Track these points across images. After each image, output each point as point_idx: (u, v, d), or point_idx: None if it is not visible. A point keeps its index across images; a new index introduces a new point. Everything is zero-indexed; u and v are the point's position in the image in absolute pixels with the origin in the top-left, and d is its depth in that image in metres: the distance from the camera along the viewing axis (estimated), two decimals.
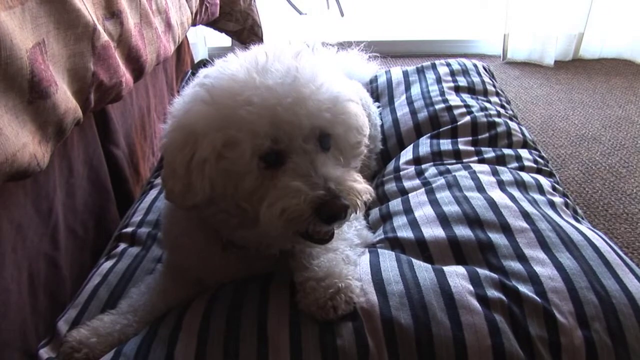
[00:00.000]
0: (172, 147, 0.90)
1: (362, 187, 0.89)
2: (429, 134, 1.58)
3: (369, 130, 1.02)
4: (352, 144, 0.96)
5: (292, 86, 0.85)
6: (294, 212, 0.83)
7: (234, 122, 0.84)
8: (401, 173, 1.45)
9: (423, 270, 0.99)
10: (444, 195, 1.22)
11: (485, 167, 1.34)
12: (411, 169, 1.44)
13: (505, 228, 1.08)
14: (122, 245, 1.35)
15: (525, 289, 0.94)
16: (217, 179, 0.88)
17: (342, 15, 4.82)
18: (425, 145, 1.52)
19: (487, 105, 1.67)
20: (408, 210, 1.23)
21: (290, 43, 0.95)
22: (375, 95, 1.89)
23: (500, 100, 1.78)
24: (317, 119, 0.87)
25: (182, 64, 2.69)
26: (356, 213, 0.90)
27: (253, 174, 0.86)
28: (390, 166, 1.54)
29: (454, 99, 1.69)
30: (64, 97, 1.05)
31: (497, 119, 1.58)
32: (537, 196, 1.24)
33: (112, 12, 1.33)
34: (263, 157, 0.86)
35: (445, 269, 0.99)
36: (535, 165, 1.43)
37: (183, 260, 1.11)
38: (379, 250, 1.10)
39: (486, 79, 1.86)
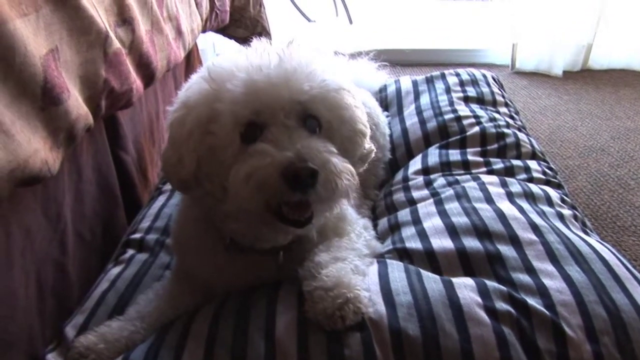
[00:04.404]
0: (175, 124, 0.95)
1: (341, 165, 0.88)
2: (437, 144, 1.58)
3: (368, 129, 1.03)
4: (346, 137, 0.97)
5: (277, 64, 0.90)
6: (260, 176, 0.83)
7: (220, 97, 0.89)
8: (410, 183, 1.45)
9: (431, 281, 0.99)
10: (452, 207, 1.22)
11: (494, 179, 1.34)
12: (420, 179, 1.44)
13: (514, 240, 1.08)
14: (130, 251, 1.35)
15: (533, 302, 0.93)
16: (203, 156, 0.91)
17: (351, 22, 4.83)
18: (434, 155, 1.52)
19: (496, 115, 1.67)
20: (417, 221, 1.23)
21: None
22: (385, 105, 1.90)
23: (509, 110, 1.78)
24: (298, 93, 0.89)
25: (192, 70, 2.69)
26: (333, 190, 0.87)
27: (233, 147, 0.88)
28: (399, 176, 1.54)
29: (463, 109, 1.69)
30: (76, 103, 1.06)
31: (506, 130, 1.58)
32: (546, 208, 1.24)
33: (124, 19, 1.34)
34: (243, 130, 0.88)
35: (454, 280, 0.99)
36: (543, 177, 1.42)
37: (190, 262, 1.13)
38: (388, 260, 1.10)
39: (495, 89, 1.86)
